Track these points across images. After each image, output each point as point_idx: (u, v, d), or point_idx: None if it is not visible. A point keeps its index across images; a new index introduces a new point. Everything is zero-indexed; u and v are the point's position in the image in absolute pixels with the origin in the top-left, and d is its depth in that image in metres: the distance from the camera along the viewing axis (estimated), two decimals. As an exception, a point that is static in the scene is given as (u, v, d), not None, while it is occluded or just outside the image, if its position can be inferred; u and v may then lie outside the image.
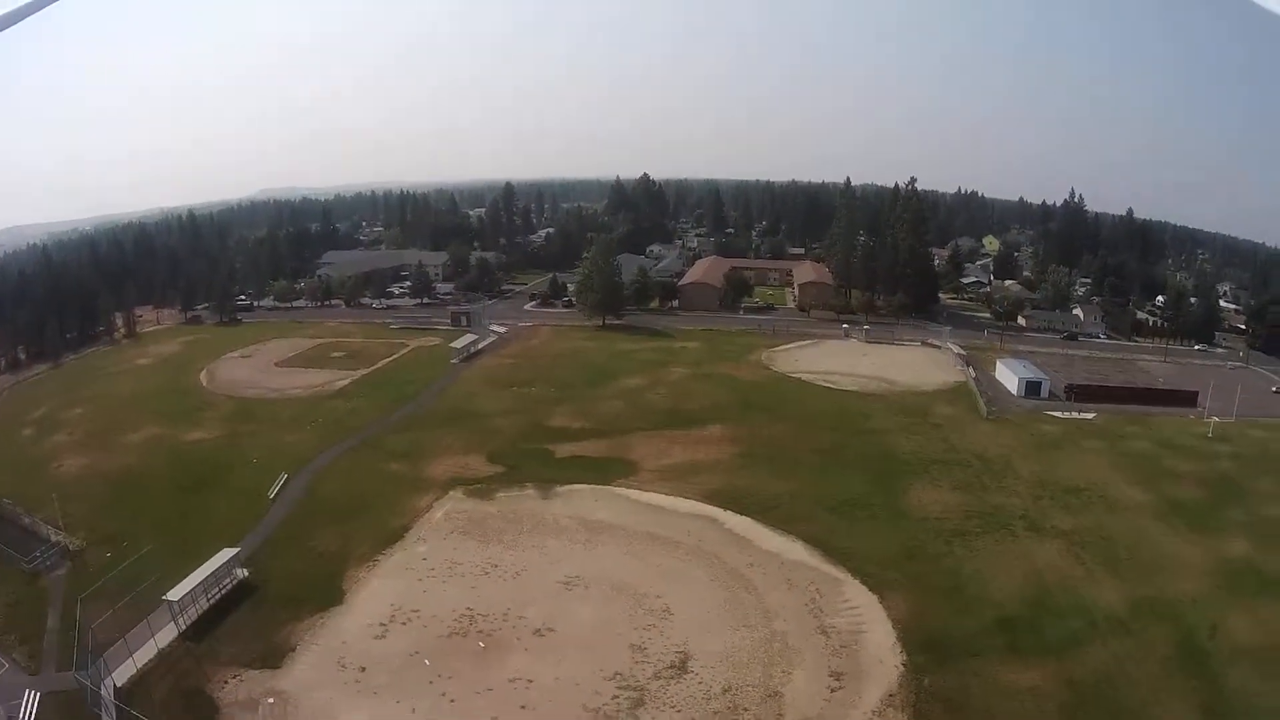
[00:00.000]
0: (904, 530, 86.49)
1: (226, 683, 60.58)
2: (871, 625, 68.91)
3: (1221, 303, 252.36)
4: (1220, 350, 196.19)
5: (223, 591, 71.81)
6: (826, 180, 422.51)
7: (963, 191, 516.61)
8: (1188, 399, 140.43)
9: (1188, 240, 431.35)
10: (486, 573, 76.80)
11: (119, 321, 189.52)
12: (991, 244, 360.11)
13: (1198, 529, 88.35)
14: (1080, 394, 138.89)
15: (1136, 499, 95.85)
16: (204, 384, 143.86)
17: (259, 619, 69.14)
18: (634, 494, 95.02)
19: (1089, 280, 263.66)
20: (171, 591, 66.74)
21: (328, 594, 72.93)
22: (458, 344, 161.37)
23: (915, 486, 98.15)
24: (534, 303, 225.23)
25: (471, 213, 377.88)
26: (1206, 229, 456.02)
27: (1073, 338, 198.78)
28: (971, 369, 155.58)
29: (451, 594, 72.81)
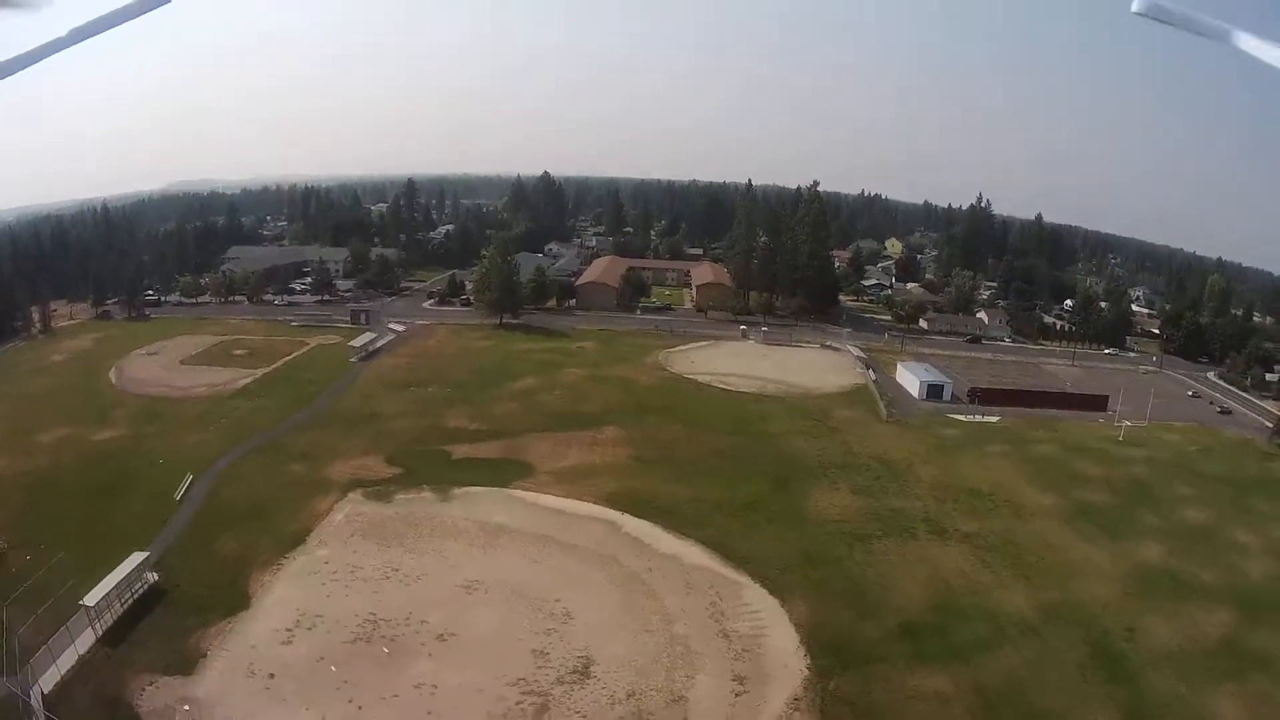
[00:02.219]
0: (804, 534, 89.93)
1: (144, 690, 61.17)
2: (773, 629, 71.76)
3: (1135, 307, 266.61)
4: (1132, 354, 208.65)
5: (135, 596, 72.68)
6: (728, 180, 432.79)
7: (866, 194, 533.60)
8: (1098, 403, 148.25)
9: (1099, 245, 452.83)
10: (387, 576, 77.82)
11: (36, 316, 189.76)
12: (894, 247, 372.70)
13: (1109, 533, 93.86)
14: (985, 397, 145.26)
15: (1043, 503, 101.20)
16: (113, 381, 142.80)
17: (170, 624, 69.67)
18: (531, 496, 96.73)
19: (994, 284, 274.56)
20: (88, 596, 67.84)
21: (234, 599, 73.62)
22: (357, 342, 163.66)
23: (814, 490, 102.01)
24: (432, 301, 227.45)
25: (373, 208, 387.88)
26: (1120, 234, 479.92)
27: (976, 341, 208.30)
28: (872, 371, 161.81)
29: (354, 599, 73.86)
